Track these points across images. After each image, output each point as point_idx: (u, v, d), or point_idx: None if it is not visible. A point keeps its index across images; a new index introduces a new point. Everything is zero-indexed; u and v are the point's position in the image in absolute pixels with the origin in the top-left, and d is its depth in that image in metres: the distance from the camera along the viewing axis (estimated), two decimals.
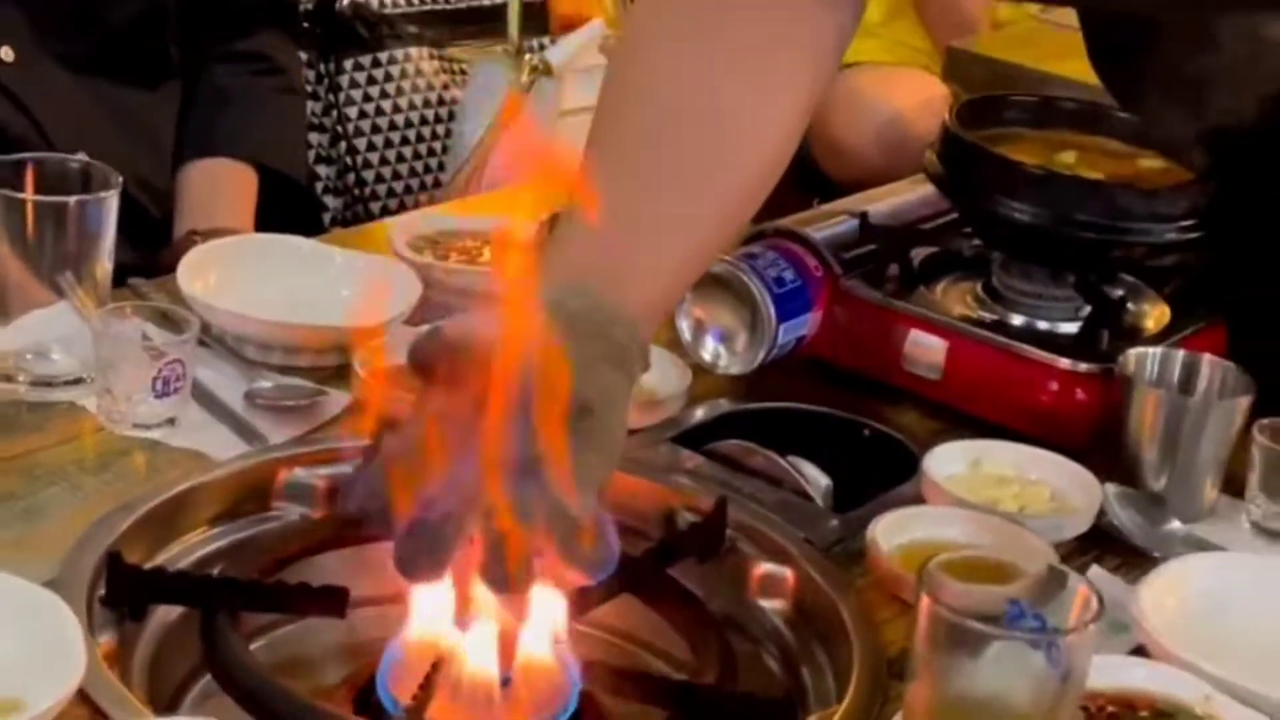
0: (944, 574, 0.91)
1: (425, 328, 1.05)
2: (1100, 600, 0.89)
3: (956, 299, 1.41)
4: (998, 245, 1.40)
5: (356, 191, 2.54)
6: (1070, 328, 1.37)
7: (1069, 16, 2.58)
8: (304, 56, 2.50)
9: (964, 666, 0.89)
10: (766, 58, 1.14)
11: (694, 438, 1.33)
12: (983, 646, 0.88)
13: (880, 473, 1.31)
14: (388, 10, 2.65)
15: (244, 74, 1.95)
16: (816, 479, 1.29)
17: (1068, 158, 1.41)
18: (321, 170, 2.56)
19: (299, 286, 1.43)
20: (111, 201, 1.26)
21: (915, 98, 2.67)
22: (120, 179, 1.28)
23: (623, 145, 1.12)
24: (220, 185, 1.87)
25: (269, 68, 1.97)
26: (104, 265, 1.29)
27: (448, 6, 2.75)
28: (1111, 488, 1.25)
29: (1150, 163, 1.42)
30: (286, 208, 1.89)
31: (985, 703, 0.89)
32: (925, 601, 0.88)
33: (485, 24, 2.74)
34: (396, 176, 2.57)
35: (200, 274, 1.39)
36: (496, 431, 0.93)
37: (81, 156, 1.33)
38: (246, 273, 1.42)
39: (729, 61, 1.13)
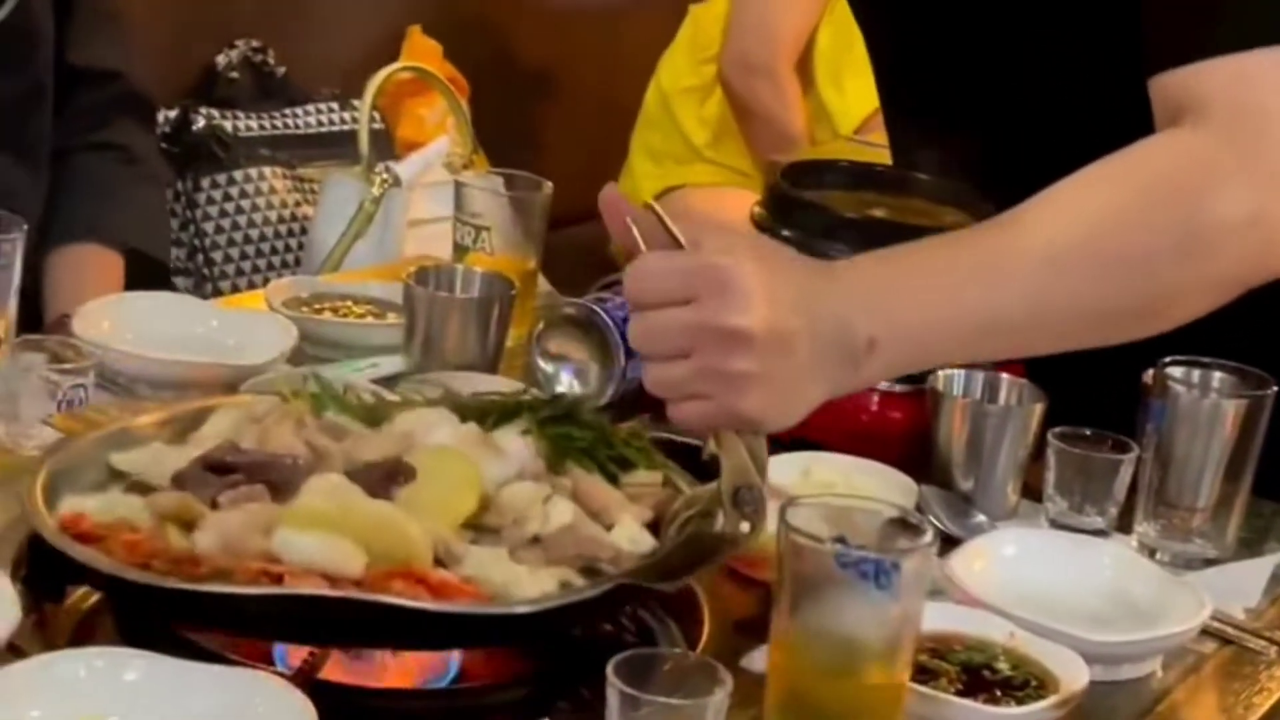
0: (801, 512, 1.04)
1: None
2: (933, 533, 1.04)
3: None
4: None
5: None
6: None
7: (879, 136, 2.81)
8: None
9: (814, 597, 1.01)
10: None
11: None
12: (829, 576, 1.01)
13: None
14: (242, 133, 2.79)
15: (106, 162, 2.06)
16: None
17: (879, 213, 1.58)
18: (180, 282, 2.67)
19: (186, 335, 1.55)
20: (17, 242, 1.38)
21: (738, 212, 2.86)
22: (24, 224, 1.40)
23: None
24: (88, 270, 1.98)
25: (130, 157, 2.08)
26: (10, 306, 1.40)
27: (299, 131, 2.89)
28: (926, 488, 1.41)
29: (952, 218, 1.60)
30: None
31: (833, 632, 1.02)
32: (783, 533, 1.02)
33: (334, 147, 2.90)
34: (251, 287, 2.69)
35: (95, 323, 1.51)
36: None
37: None
38: (137, 323, 1.54)
39: None
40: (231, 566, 1.04)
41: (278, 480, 1.13)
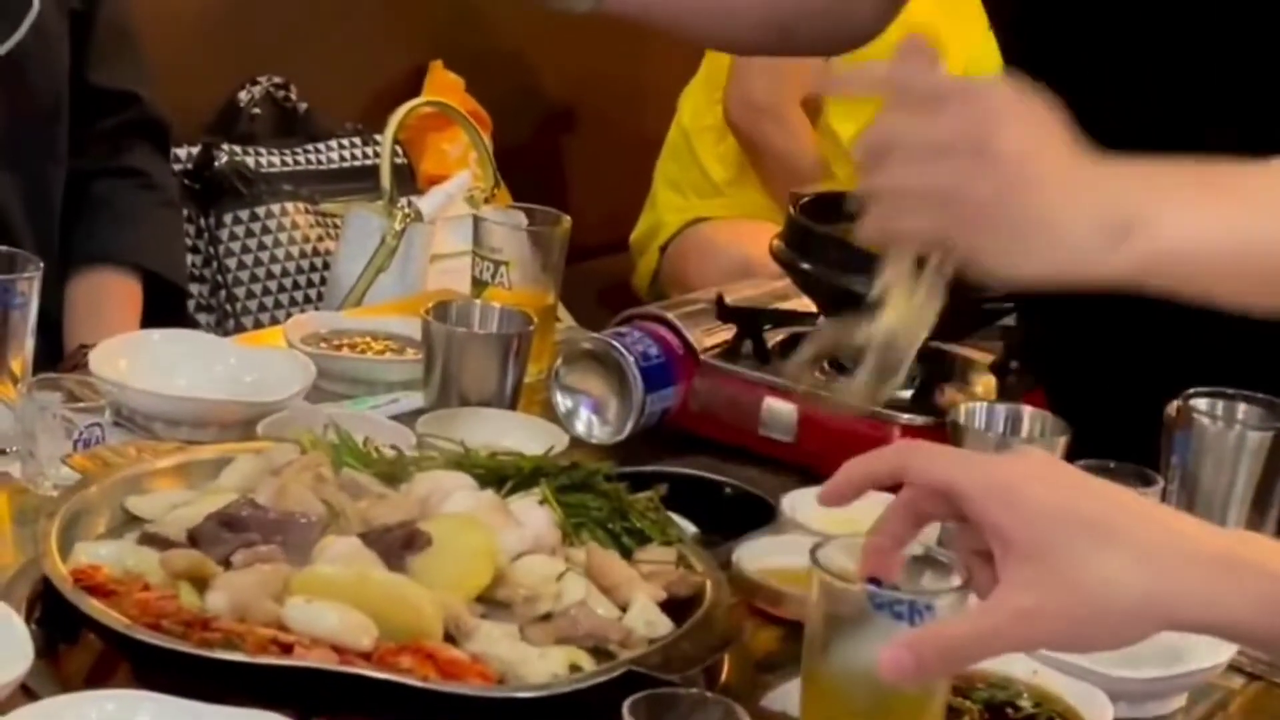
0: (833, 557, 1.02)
1: None
2: (966, 577, 1.01)
3: (807, 371, 1.56)
4: (838, 317, 1.55)
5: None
6: (907, 393, 1.52)
7: None
8: (185, 212, 2.64)
9: (847, 638, 1.00)
10: None
11: None
12: (862, 617, 0.99)
13: (742, 525, 1.44)
14: (264, 169, 2.80)
15: (125, 188, 2.05)
16: (685, 527, 1.42)
17: None
18: (202, 318, 2.68)
19: (203, 373, 1.55)
20: (34, 281, 1.38)
21: (760, 245, 2.85)
22: (40, 263, 1.40)
23: None
24: (106, 298, 1.98)
25: (148, 182, 2.08)
26: (27, 345, 1.40)
27: (321, 166, 2.90)
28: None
29: None
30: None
31: (866, 674, 0.99)
32: (815, 574, 1.00)
33: (356, 182, 2.90)
34: (275, 323, 2.69)
35: (111, 361, 1.50)
36: None
37: None
38: (154, 361, 1.54)
39: None
40: (242, 632, 1.03)
41: (292, 540, 1.13)
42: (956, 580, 1.01)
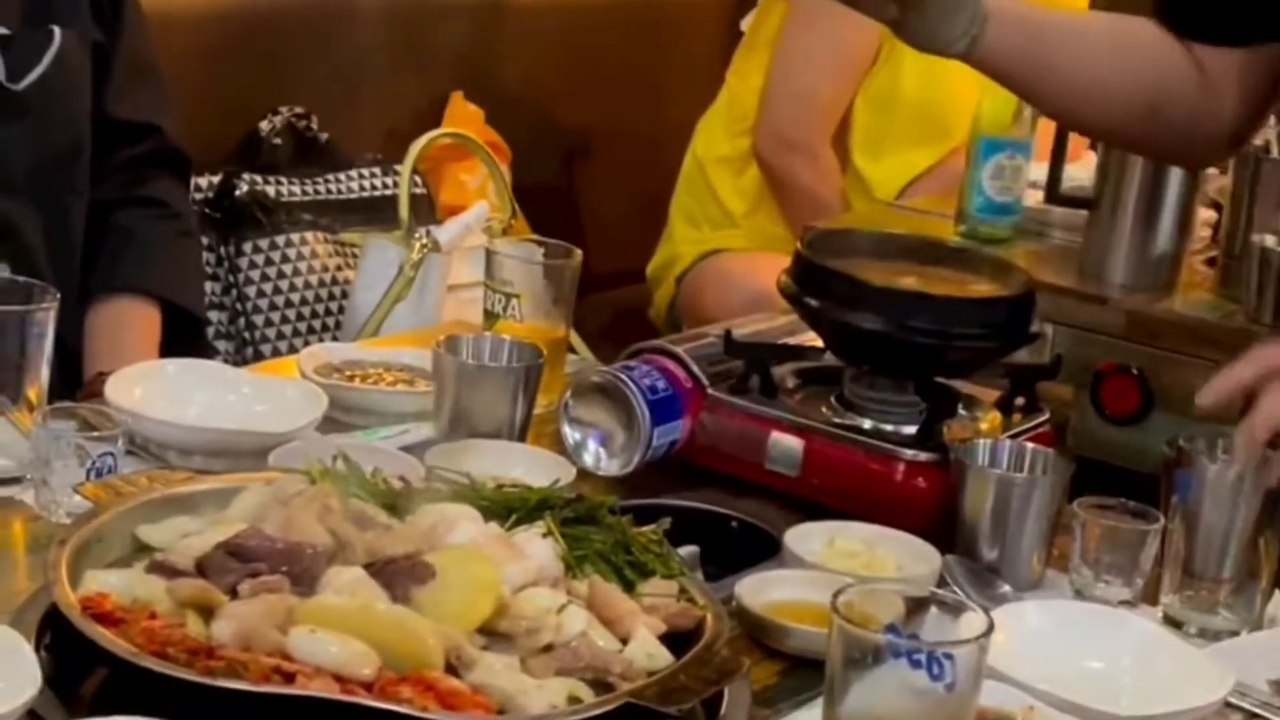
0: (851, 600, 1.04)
1: None
2: (988, 623, 1.03)
3: (813, 407, 1.58)
4: (844, 353, 1.57)
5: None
6: (912, 429, 1.53)
7: (918, 203, 2.81)
8: (205, 240, 2.66)
9: (865, 686, 1.01)
10: None
11: None
12: (881, 665, 1.00)
13: (747, 558, 1.46)
14: (284, 198, 2.82)
15: (145, 218, 2.07)
16: (690, 561, 1.44)
17: (908, 281, 1.59)
18: (221, 346, 2.70)
19: (217, 402, 1.57)
20: (51, 312, 1.40)
21: (776, 277, 2.86)
22: (57, 294, 1.42)
23: None
24: (126, 326, 1.99)
25: (168, 213, 2.10)
26: (43, 374, 1.42)
27: (340, 196, 2.92)
28: (951, 558, 1.41)
29: (979, 287, 1.60)
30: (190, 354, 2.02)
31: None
32: (834, 620, 1.02)
33: (375, 212, 2.92)
34: (293, 350, 2.70)
35: (126, 390, 1.52)
36: None
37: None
38: (169, 390, 1.56)
39: None
40: (245, 661, 1.05)
41: (298, 570, 1.14)
42: (975, 626, 1.02)
